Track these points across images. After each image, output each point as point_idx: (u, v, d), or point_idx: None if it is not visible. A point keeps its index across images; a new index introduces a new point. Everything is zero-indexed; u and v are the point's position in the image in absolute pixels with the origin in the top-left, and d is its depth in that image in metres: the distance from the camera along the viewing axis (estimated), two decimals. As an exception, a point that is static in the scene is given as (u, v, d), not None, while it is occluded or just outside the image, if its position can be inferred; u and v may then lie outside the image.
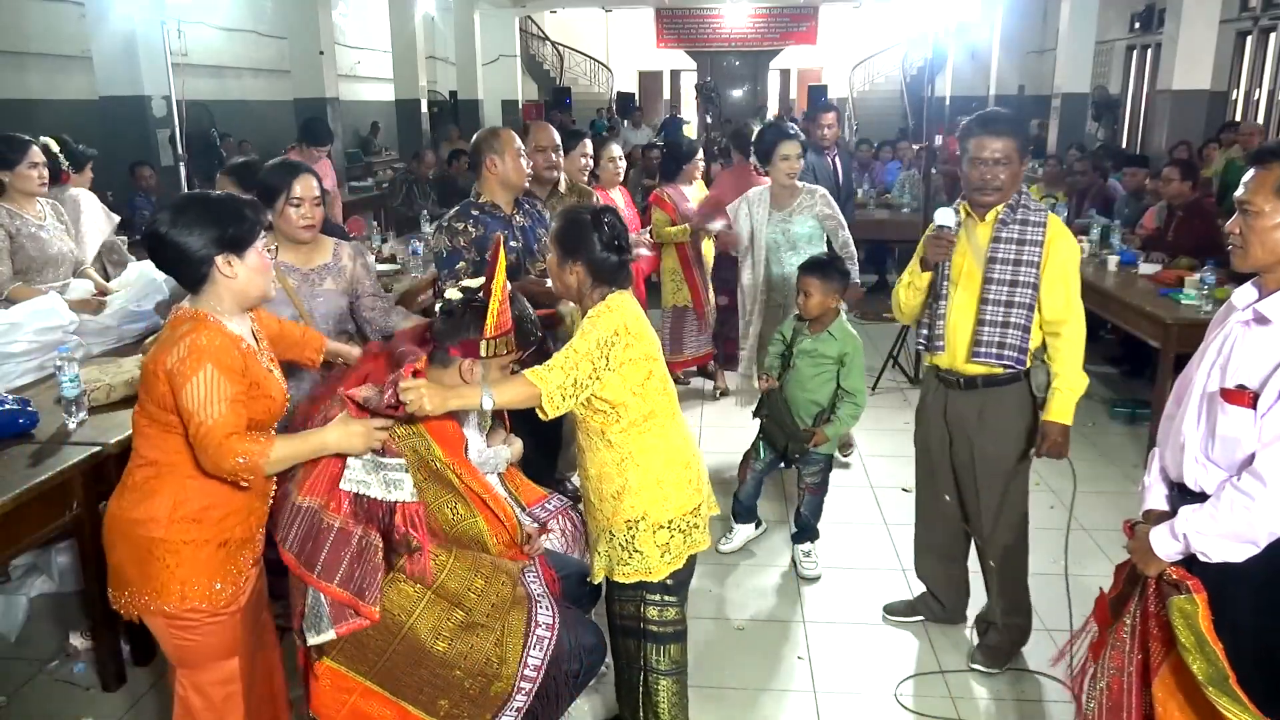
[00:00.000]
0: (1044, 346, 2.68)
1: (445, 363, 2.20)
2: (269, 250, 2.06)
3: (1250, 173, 1.86)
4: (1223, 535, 1.80)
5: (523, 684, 2.11)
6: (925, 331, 2.78)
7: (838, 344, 3.38)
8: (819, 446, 3.39)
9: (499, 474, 2.42)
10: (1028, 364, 2.67)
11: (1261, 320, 1.84)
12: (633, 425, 2.24)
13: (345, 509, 2.02)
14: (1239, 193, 1.87)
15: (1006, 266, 2.61)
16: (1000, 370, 2.67)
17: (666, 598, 2.33)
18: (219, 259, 1.95)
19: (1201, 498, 1.90)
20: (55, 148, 3.97)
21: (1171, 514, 1.95)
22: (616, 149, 4.94)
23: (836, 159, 5.40)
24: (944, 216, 2.65)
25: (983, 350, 2.64)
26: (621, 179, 5.06)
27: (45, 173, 3.69)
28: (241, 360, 1.96)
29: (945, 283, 2.71)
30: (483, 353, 2.15)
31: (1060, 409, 2.64)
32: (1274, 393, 1.77)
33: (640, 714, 2.45)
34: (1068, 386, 2.63)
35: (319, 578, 1.99)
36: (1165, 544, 1.88)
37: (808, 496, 3.51)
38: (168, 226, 1.93)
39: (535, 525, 2.39)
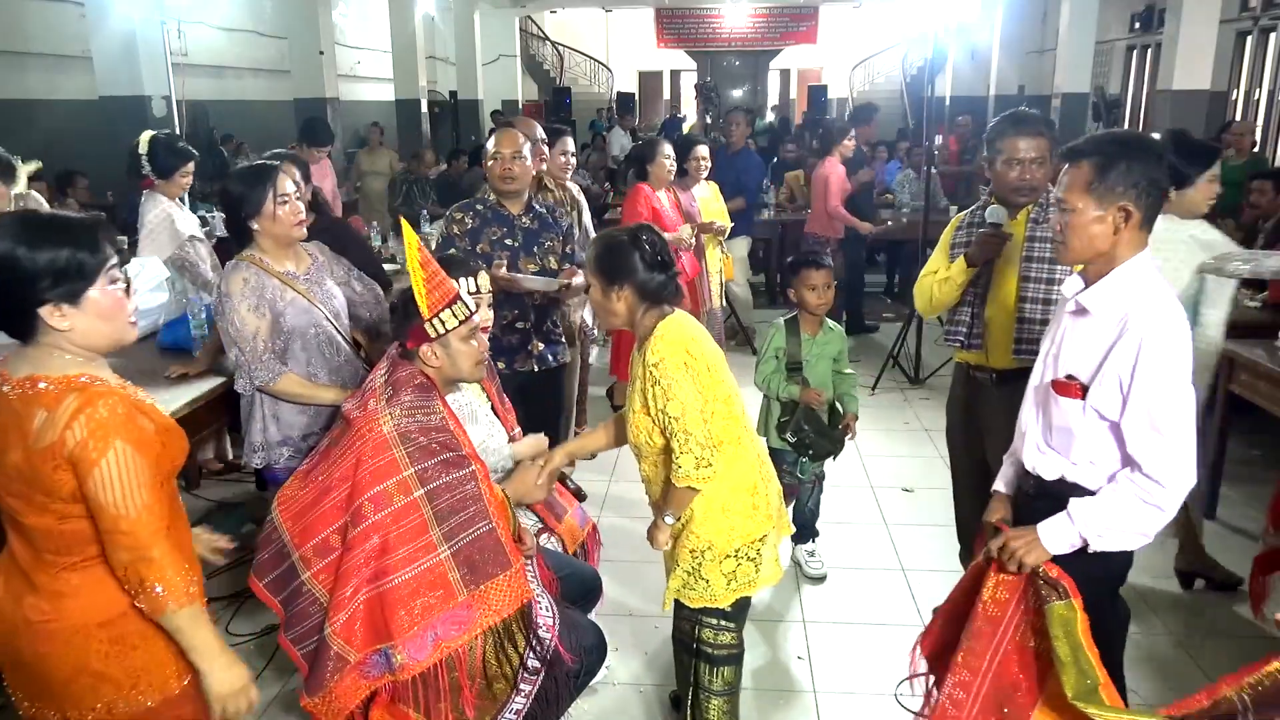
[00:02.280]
0: None
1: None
2: (118, 283, 1.64)
3: (1064, 170, 1.90)
4: (1120, 528, 1.86)
5: (522, 684, 2.10)
6: (962, 329, 2.79)
7: (836, 333, 3.36)
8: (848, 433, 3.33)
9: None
10: None
11: (1083, 311, 1.91)
12: None
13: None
14: (1055, 191, 1.93)
15: (1044, 265, 2.63)
16: None
17: (724, 622, 2.29)
18: (45, 309, 1.56)
19: (1040, 483, 2.00)
20: (142, 149, 3.82)
21: (1008, 497, 2.14)
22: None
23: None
24: (997, 215, 2.66)
25: (1025, 347, 2.65)
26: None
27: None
28: (146, 417, 1.65)
29: (989, 280, 2.73)
30: (431, 333, 2.10)
31: None
32: (1112, 388, 1.84)
33: None
34: None
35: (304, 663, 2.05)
36: (1059, 535, 1.89)
37: (816, 491, 3.50)
38: None
39: (532, 526, 2.39)
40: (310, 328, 2.63)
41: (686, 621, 2.33)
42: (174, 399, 2.78)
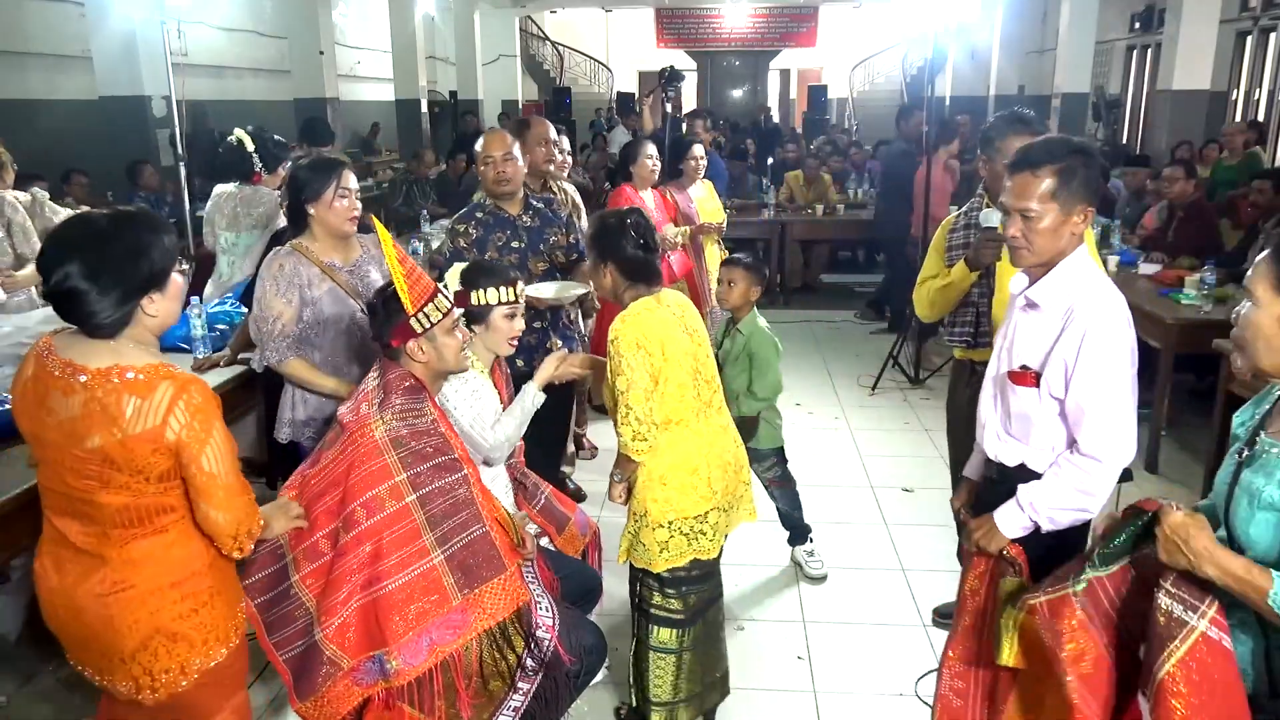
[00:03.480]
0: None
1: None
2: (183, 272, 1.86)
3: (1022, 176, 1.92)
4: (1065, 507, 1.95)
5: (520, 684, 2.10)
6: (968, 330, 2.82)
7: (744, 337, 3.29)
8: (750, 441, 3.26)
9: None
10: None
11: (1033, 305, 2.00)
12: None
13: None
14: (1007, 199, 1.97)
15: None
16: None
17: (666, 590, 2.45)
18: (144, 300, 1.74)
19: (1002, 469, 2.09)
20: (250, 145, 3.87)
21: (976, 481, 2.26)
22: (652, 148, 4.87)
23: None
24: (992, 218, 2.65)
25: None
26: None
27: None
28: (220, 402, 1.84)
29: (992, 281, 2.73)
30: (417, 329, 2.11)
31: None
32: (1058, 373, 1.92)
33: (630, 682, 2.56)
34: None
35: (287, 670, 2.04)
36: (1012, 520, 2.00)
37: (776, 492, 3.49)
38: (85, 279, 1.66)
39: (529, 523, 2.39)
40: (345, 318, 2.74)
41: (635, 580, 2.53)
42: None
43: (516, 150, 3.26)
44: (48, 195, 4.47)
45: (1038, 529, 1.98)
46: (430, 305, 2.11)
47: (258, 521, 1.87)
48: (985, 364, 2.78)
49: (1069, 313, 1.92)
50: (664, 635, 2.47)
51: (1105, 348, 1.88)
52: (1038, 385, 1.97)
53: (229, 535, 1.82)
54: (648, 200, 4.76)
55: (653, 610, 2.47)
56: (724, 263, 3.43)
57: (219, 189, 3.96)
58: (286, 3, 10.89)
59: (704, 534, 2.41)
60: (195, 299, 3.31)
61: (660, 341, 2.32)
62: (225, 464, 1.77)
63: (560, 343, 3.37)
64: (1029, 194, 1.92)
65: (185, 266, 1.87)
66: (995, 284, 2.74)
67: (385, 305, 2.13)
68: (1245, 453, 1.58)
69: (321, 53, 10.70)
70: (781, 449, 3.47)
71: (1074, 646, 1.71)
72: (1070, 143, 1.97)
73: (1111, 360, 1.89)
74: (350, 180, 2.73)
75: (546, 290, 3.16)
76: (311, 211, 2.70)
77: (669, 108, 6.75)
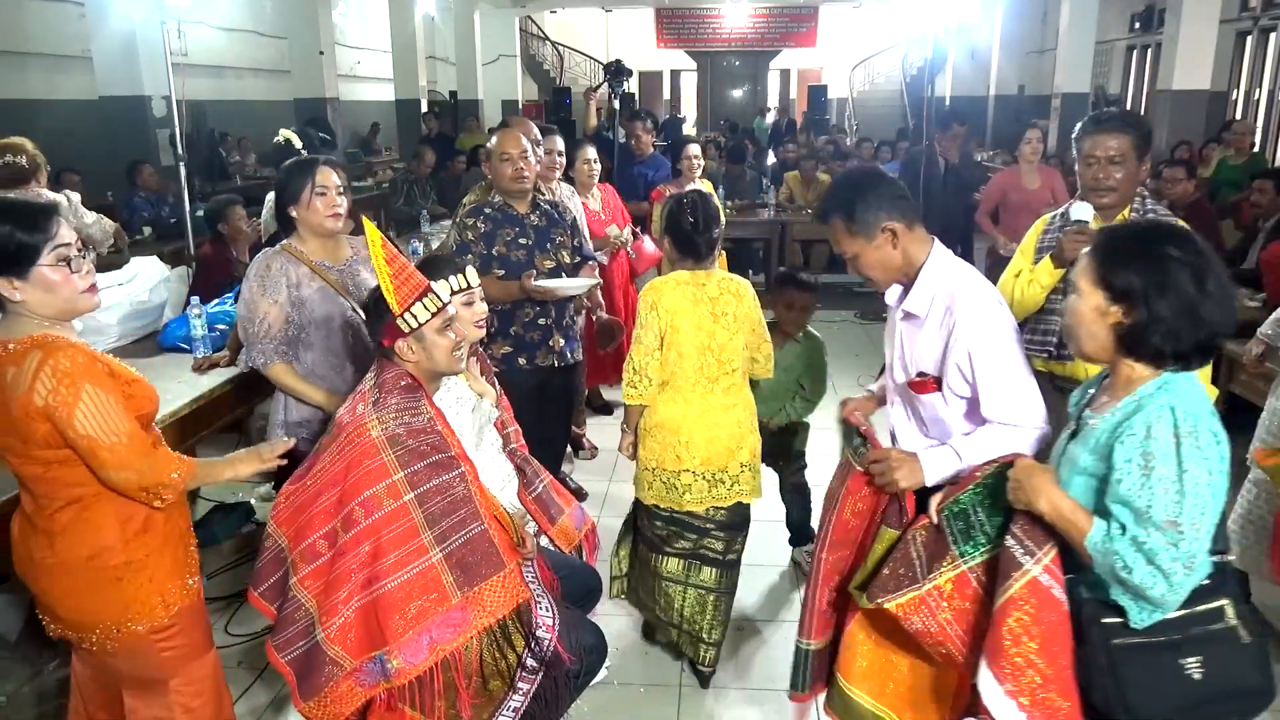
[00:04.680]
0: None
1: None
2: (74, 261, 1.83)
3: (831, 227, 2.10)
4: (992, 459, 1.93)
5: (520, 683, 2.10)
6: (1052, 339, 2.67)
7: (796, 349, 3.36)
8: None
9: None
10: None
11: (911, 316, 2.08)
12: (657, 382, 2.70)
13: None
14: (836, 247, 2.12)
15: None
16: None
17: (654, 519, 2.80)
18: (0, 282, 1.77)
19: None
20: (298, 142, 3.88)
21: (879, 396, 2.37)
22: (591, 151, 4.83)
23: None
24: (1083, 212, 2.58)
25: None
26: (597, 179, 4.89)
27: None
28: (105, 366, 1.86)
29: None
30: (405, 328, 2.08)
31: None
32: (957, 374, 2.00)
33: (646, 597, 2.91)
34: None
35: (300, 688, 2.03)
36: (942, 465, 1.99)
37: (794, 497, 3.53)
38: None
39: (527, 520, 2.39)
40: (336, 316, 2.72)
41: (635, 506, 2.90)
42: (199, 386, 3.05)
43: (529, 148, 3.28)
44: (80, 197, 4.50)
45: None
46: (418, 304, 2.08)
47: (164, 475, 1.87)
48: (1066, 379, 2.68)
49: (947, 313, 2.00)
50: (629, 546, 2.95)
51: (989, 332, 1.97)
52: (939, 389, 2.04)
53: (136, 490, 1.86)
54: (592, 203, 4.70)
55: (639, 526, 2.89)
56: (789, 284, 3.30)
57: (273, 195, 3.95)
58: (286, 3, 10.90)
59: (676, 489, 2.71)
60: (195, 299, 3.31)
61: (672, 310, 2.64)
62: (106, 424, 1.78)
63: (563, 341, 3.37)
64: (836, 239, 2.10)
65: (76, 266, 1.83)
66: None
67: (376, 304, 2.12)
68: (1073, 427, 1.78)
69: (321, 53, 10.71)
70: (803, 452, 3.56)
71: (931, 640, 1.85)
72: (848, 178, 2.18)
73: (999, 341, 1.98)
74: (329, 177, 2.68)
75: (555, 283, 3.21)
76: (293, 213, 2.68)
77: (616, 105, 6.58)
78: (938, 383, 2.04)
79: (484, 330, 2.52)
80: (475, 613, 1.99)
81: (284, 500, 2.13)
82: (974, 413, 2.04)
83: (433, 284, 2.18)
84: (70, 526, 1.87)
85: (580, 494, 4.18)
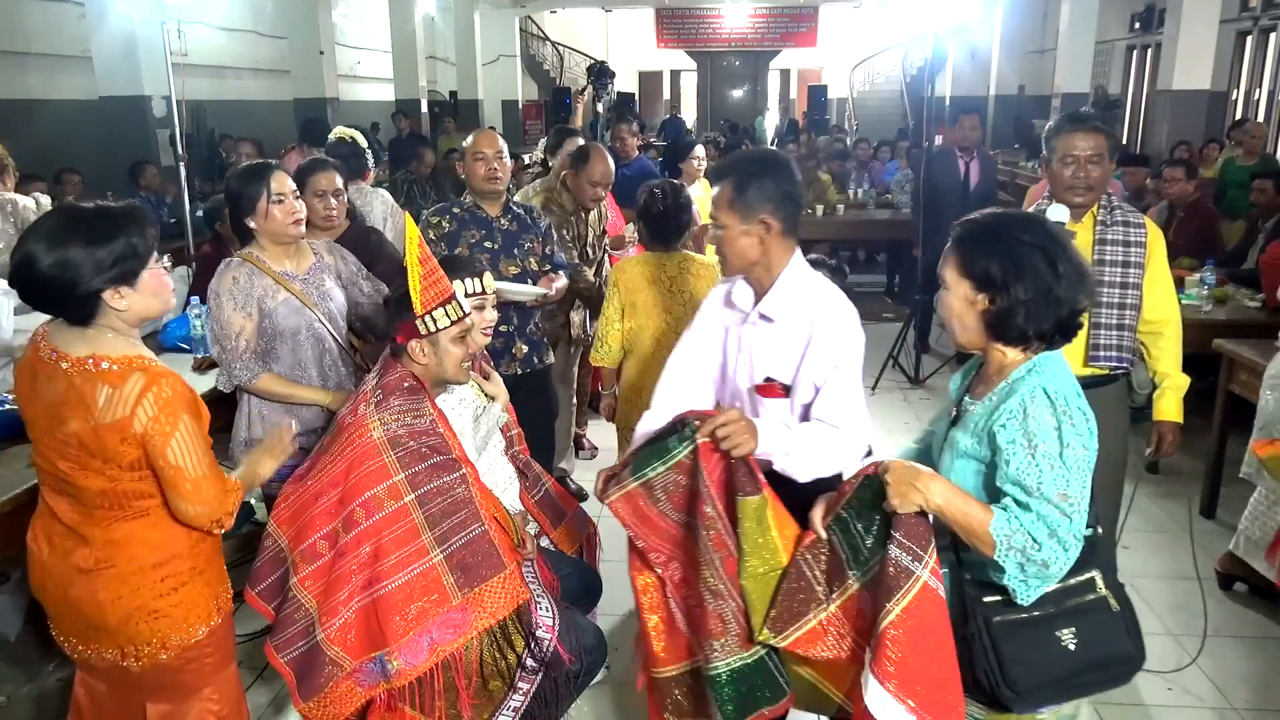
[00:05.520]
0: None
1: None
2: (160, 261, 1.86)
3: (714, 190, 2.06)
4: (806, 451, 1.96)
5: (520, 683, 2.10)
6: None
7: None
8: None
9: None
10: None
11: (766, 319, 2.08)
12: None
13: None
14: (711, 210, 2.06)
15: (1116, 269, 2.58)
16: (1106, 371, 2.62)
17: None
18: (107, 293, 1.74)
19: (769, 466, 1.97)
20: (363, 142, 3.90)
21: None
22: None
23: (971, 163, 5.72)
24: (1059, 213, 2.57)
25: (1102, 353, 2.60)
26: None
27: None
28: (194, 393, 1.86)
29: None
30: (422, 330, 2.10)
31: (1172, 408, 2.68)
32: (809, 386, 2.02)
33: None
34: (1176, 385, 2.68)
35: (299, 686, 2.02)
36: (773, 441, 1.91)
37: None
38: (43, 268, 1.70)
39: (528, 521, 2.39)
40: (302, 329, 2.62)
41: None
42: (199, 386, 2.89)
43: (505, 149, 3.26)
44: (50, 200, 4.49)
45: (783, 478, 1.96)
46: (440, 310, 2.11)
47: (230, 505, 1.88)
48: (1093, 380, 2.59)
49: (810, 324, 2.02)
50: None
51: (853, 349, 2.03)
52: (787, 395, 2.04)
53: (204, 523, 1.86)
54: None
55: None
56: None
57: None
58: (286, 3, 10.91)
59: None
60: (194, 299, 3.30)
61: (630, 287, 3.08)
62: (193, 458, 1.79)
63: (526, 348, 3.32)
64: (717, 204, 2.05)
65: (167, 264, 1.88)
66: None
67: (399, 300, 2.14)
68: (954, 413, 1.82)
69: (321, 53, 10.72)
70: None
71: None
72: (754, 154, 2.21)
73: (857, 358, 2.05)
74: (284, 183, 2.56)
75: (498, 285, 3.14)
76: (251, 224, 2.56)
77: (600, 106, 6.55)
78: (785, 390, 2.04)
79: (489, 339, 2.53)
80: (476, 614, 1.99)
81: (284, 500, 2.14)
82: (806, 416, 2.08)
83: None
84: (135, 535, 1.84)
85: (581, 495, 4.17)
